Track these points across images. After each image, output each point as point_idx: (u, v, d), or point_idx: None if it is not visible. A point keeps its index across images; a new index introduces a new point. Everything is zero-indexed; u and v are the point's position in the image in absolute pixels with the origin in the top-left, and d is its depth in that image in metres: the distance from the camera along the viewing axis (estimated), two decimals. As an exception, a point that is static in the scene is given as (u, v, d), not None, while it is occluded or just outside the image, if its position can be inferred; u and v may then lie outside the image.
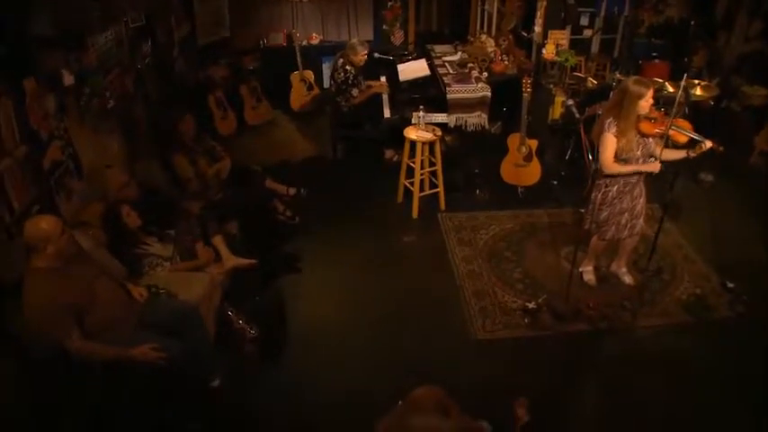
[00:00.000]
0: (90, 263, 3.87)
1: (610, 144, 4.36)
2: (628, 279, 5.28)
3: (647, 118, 4.31)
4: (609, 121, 4.36)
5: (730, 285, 5.15)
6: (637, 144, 4.38)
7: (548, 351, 4.56)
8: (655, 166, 4.42)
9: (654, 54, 8.87)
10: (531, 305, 4.86)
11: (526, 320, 4.80)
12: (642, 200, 4.72)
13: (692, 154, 4.25)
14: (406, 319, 4.84)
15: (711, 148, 4.17)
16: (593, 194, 4.65)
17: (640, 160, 4.43)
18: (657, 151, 4.39)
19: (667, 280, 5.31)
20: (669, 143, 4.32)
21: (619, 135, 4.34)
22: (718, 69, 8.61)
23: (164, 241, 4.74)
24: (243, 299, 4.76)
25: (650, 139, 4.39)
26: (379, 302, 5.03)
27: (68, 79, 4.56)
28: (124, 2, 5.66)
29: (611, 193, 4.62)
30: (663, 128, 4.23)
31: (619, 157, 4.41)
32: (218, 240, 4.91)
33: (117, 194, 4.93)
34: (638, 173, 4.53)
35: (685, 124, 4.38)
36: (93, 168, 4.90)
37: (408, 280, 5.32)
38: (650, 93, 4.23)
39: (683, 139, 4.32)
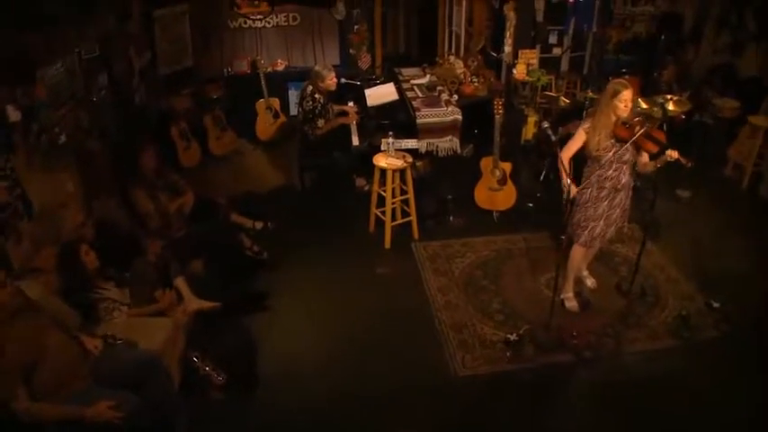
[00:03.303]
0: (39, 315, 3.64)
1: (577, 137, 4.54)
2: (590, 282, 5.35)
3: (624, 123, 4.34)
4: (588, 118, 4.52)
5: (715, 305, 5.06)
6: (611, 146, 4.43)
7: (531, 384, 4.42)
8: (573, 190, 4.44)
9: (623, 70, 8.80)
10: (512, 337, 4.68)
11: (508, 354, 4.62)
12: (618, 210, 4.71)
13: (658, 164, 4.35)
14: (382, 356, 4.68)
15: (679, 161, 4.23)
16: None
17: (614, 164, 4.48)
18: (640, 161, 4.49)
19: (651, 302, 5.23)
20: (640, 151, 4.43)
21: (591, 131, 4.45)
22: (689, 83, 8.62)
23: (122, 285, 4.54)
24: (209, 343, 4.54)
25: (627, 150, 4.39)
26: (353, 339, 4.86)
27: (14, 115, 4.30)
28: (75, 32, 5.40)
29: (585, 196, 4.64)
30: (635, 134, 4.27)
31: (590, 155, 4.53)
32: (180, 282, 4.72)
33: (72, 235, 4.69)
34: (614, 185, 4.56)
35: (660, 134, 4.38)
36: (46, 209, 4.65)
37: (383, 314, 5.14)
38: (627, 93, 4.31)
39: (652, 148, 4.32)
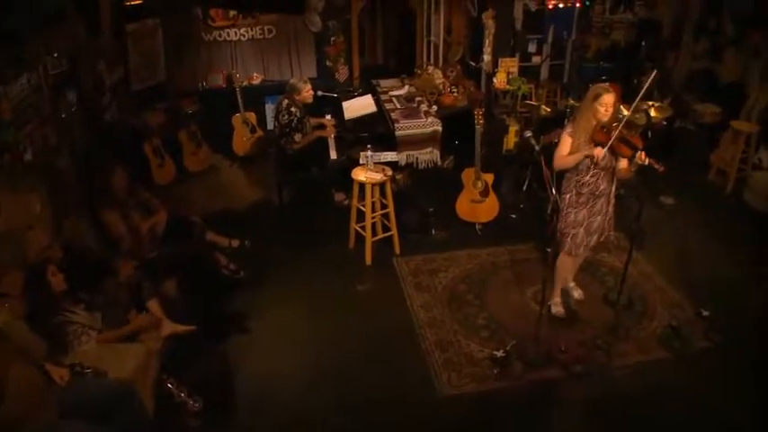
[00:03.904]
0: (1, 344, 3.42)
1: (564, 141, 4.52)
2: (577, 294, 5.27)
3: (602, 128, 4.34)
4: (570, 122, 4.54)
5: (705, 313, 5.03)
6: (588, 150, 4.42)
7: (520, 403, 4.29)
8: (597, 151, 4.35)
9: (603, 78, 8.78)
10: (499, 353, 4.57)
11: (495, 371, 4.50)
12: (599, 218, 4.70)
13: (632, 168, 4.39)
14: (365, 378, 4.53)
15: (650, 165, 4.24)
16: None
17: (591, 170, 4.47)
18: (619, 165, 4.48)
19: (640, 312, 5.16)
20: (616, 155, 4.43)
21: (573, 135, 4.48)
22: (669, 89, 8.62)
23: (92, 309, 4.36)
24: (184, 368, 4.40)
25: (605, 155, 4.37)
26: (334, 360, 4.71)
27: (-26, 133, 4.13)
28: (39, 46, 5.22)
29: (564, 201, 4.64)
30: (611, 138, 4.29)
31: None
32: (153, 304, 4.59)
33: (38, 257, 4.49)
34: (593, 191, 4.55)
35: (636, 140, 4.38)
36: (10, 231, 4.46)
37: (365, 333, 5.00)
38: (608, 97, 4.29)
39: (627, 152, 4.33)
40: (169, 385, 4.19)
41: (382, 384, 4.45)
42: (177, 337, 4.47)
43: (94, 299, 4.42)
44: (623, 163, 4.46)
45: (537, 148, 4.35)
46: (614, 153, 4.40)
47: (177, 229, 5.61)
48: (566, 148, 4.51)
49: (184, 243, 5.54)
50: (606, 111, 4.30)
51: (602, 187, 4.55)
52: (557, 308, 5.10)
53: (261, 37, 8.64)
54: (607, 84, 4.76)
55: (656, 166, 4.25)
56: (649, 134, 6.30)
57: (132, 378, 3.89)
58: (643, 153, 4.22)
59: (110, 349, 4.17)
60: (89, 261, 4.84)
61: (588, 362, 4.58)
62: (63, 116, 5.65)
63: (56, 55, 5.49)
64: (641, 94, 4.45)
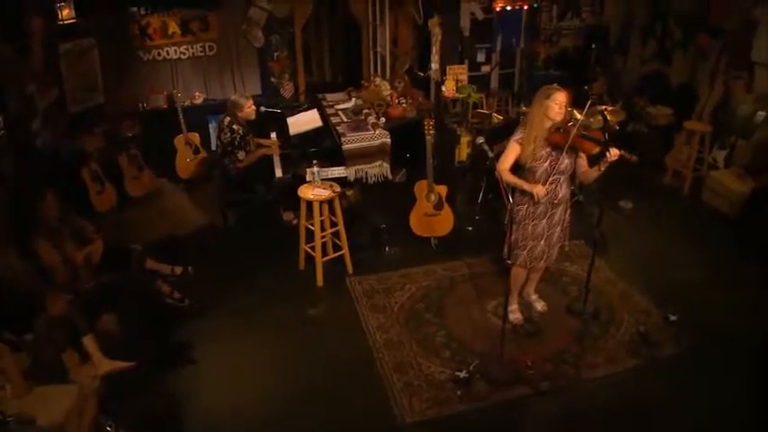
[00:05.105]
0: None
1: (510, 150, 4.38)
2: (539, 306, 5.16)
3: (558, 129, 4.21)
4: (520, 128, 4.39)
5: (672, 318, 4.95)
6: (546, 156, 4.29)
7: (487, 425, 4.11)
8: (538, 189, 4.29)
9: (554, 84, 8.80)
10: (461, 374, 4.36)
11: (459, 393, 4.28)
12: (559, 228, 4.60)
13: (602, 168, 4.17)
14: (320, 407, 4.28)
15: (623, 158, 4.06)
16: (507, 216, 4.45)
17: (551, 176, 4.32)
18: (580, 170, 4.37)
19: (606, 321, 5.04)
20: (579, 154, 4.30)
21: (524, 142, 4.31)
22: (620, 93, 8.64)
23: (19, 350, 4.10)
24: (125, 407, 4.16)
25: (564, 158, 4.26)
26: (287, 390, 4.45)
27: None
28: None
29: (521, 212, 4.50)
30: (570, 136, 4.13)
31: (525, 167, 4.38)
32: (89, 341, 4.39)
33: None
34: (551, 199, 4.41)
35: (597, 134, 4.30)
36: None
37: (318, 360, 4.75)
38: (560, 94, 4.19)
39: (592, 148, 4.15)
40: (108, 428, 3.92)
41: (339, 414, 4.23)
42: (116, 374, 4.29)
43: (22, 340, 4.16)
44: (585, 164, 4.34)
45: (491, 154, 4.23)
46: (575, 152, 4.27)
47: (115, 258, 5.33)
48: (511, 158, 4.37)
49: (122, 273, 5.24)
50: (560, 109, 4.18)
51: (560, 194, 4.43)
52: (514, 315, 4.98)
53: (202, 54, 8.39)
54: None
55: (629, 157, 4.07)
56: (606, 135, 6.22)
57: (64, 423, 3.61)
58: (614, 148, 4.04)
59: (37, 392, 3.85)
60: (18, 296, 4.55)
61: (556, 377, 4.40)
62: (-12, 142, 5.33)
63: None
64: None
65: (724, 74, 7.57)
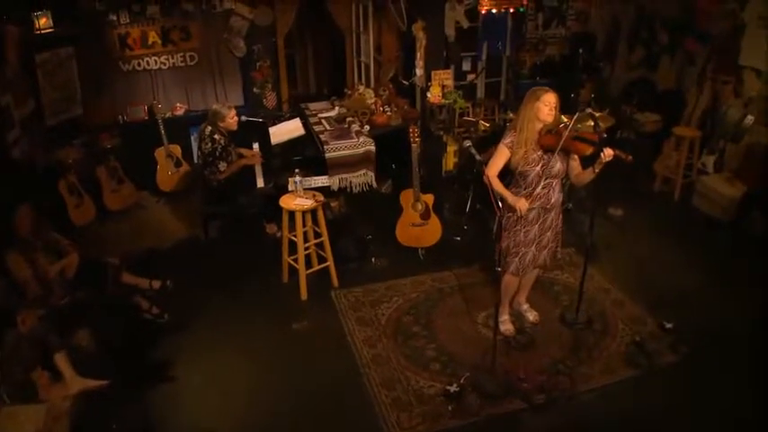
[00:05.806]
0: None
1: (499, 154, 4.29)
2: (531, 316, 5.07)
3: (549, 131, 4.11)
4: (509, 132, 4.31)
5: (668, 326, 4.87)
6: (538, 159, 4.20)
7: None
8: (521, 204, 4.17)
9: (541, 93, 8.79)
10: (452, 388, 4.24)
11: (450, 408, 4.15)
12: (550, 233, 4.52)
13: (597, 169, 4.08)
14: (306, 426, 4.15)
15: (618, 158, 3.98)
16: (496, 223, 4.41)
17: (543, 180, 4.23)
18: (574, 173, 4.28)
19: (601, 331, 4.94)
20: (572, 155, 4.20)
21: (515, 146, 4.22)
22: (607, 100, 8.59)
23: None
24: (99, 428, 4.02)
25: (556, 161, 4.18)
26: (271, 408, 4.30)
27: None
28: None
29: (511, 219, 4.41)
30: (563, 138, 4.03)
31: (516, 171, 4.29)
32: (60, 358, 4.19)
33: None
34: (544, 204, 4.34)
35: (591, 135, 4.16)
36: None
37: (303, 376, 4.59)
38: (549, 95, 4.10)
39: (586, 149, 4.06)
40: (79, 451, 3.75)
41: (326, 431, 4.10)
42: (89, 393, 4.10)
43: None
44: (578, 167, 4.25)
45: (478, 157, 4.13)
46: (568, 155, 4.17)
47: (90, 272, 5.18)
48: (500, 162, 4.27)
49: (98, 288, 5.10)
50: (551, 110, 4.08)
51: (553, 199, 4.33)
52: (505, 326, 4.87)
53: (183, 64, 8.22)
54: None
55: (624, 157, 3.98)
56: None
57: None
58: (608, 148, 3.94)
59: (3, 413, 3.77)
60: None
61: (551, 389, 4.27)
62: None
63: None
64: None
65: (712, 78, 7.53)
